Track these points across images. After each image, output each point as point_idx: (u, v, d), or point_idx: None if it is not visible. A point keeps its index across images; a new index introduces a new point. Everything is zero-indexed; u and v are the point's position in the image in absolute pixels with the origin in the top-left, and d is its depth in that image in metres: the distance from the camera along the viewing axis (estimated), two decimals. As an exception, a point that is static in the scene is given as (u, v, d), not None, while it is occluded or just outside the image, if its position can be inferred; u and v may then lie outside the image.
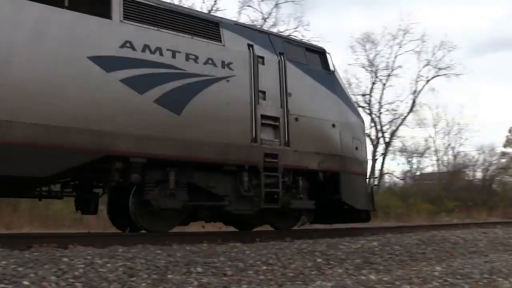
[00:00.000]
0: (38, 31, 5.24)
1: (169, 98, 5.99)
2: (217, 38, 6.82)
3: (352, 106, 8.70)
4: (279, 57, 7.46)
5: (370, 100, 28.58)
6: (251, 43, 7.17)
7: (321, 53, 8.37)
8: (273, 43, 7.58)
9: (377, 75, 28.91)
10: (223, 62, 6.66)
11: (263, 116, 6.98)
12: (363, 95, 28.53)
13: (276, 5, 21.79)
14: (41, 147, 5.08)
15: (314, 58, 8.17)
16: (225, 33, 6.95)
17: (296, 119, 7.29)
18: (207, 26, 6.84)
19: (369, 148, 29.65)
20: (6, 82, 4.93)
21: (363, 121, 9.01)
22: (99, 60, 5.54)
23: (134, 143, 5.71)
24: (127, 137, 5.66)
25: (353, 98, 10.27)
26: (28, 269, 3.54)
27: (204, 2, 22.00)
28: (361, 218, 8.34)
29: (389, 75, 28.72)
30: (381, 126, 28.26)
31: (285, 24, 29.62)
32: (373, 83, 28.87)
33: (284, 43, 7.86)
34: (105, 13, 5.81)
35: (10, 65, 4.99)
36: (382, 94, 29.22)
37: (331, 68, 8.33)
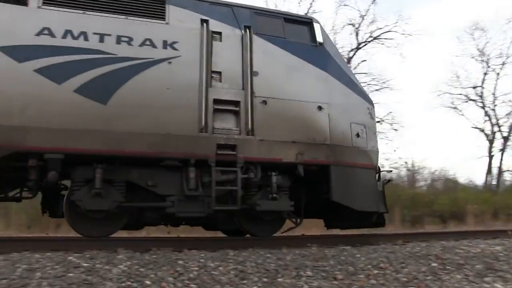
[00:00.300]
0: None
1: (92, 87, 5.36)
2: (161, 15, 6.05)
3: (351, 84, 7.11)
4: (242, 31, 6.43)
5: (482, 93, 26.46)
6: (205, 18, 6.25)
7: (306, 24, 7.07)
8: (237, 16, 6.53)
9: (489, 64, 26.70)
10: (165, 42, 5.85)
11: (218, 101, 5.97)
12: (474, 87, 26.50)
13: (374, 1, 21.07)
14: None
15: (296, 30, 6.93)
16: (171, 10, 6.12)
17: (264, 102, 6.17)
18: (149, 4, 6.06)
19: (483, 143, 27.34)
20: None
21: (370, 102, 7.30)
22: (9, 50, 5.13)
23: (48, 137, 5.15)
24: (40, 132, 5.13)
25: (357, 78, 8.07)
26: (149, 270, 3.82)
27: (300, 5, 21.98)
28: (370, 222, 6.86)
29: (503, 64, 26.36)
30: (497, 120, 25.99)
31: (384, 20, 28.79)
32: (485, 74, 26.69)
33: (254, 15, 6.67)
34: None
35: None
36: (496, 84, 27.02)
37: (320, 40, 6.95)
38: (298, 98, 6.39)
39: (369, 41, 21.44)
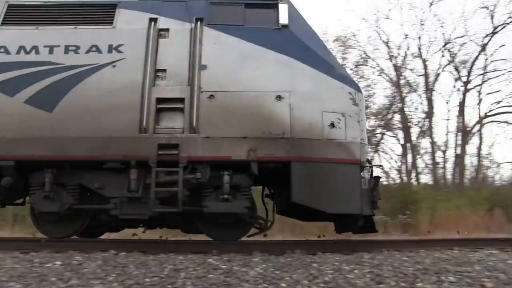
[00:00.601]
0: None
1: (41, 97, 5.64)
2: (109, 21, 6.08)
3: (326, 67, 6.13)
4: (192, 25, 6.09)
5: None
6: (155, 16, 6.12)
7: (271, 6, 6.40)
8: (189, 9, 6.21)
9: None
10: (110, 46, 5.85)
11: (161, 100, 5.73)
12: None
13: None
14: None
15: (259, 15, 6.33)
16: (121, 14, 6.14)
17: (212, 96, 5.72)
18: (98, 11, 6.22)
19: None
20: None
21: (354, 86, 6.28)
22: None
23: (2, 146, 5.61)
24: None
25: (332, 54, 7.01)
26: (284, 272, 3.89)
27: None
28: (355, 227, 5.93)
29: None
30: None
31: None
32: None
33: (209, 6, 6.28)
34: None
35: None
36: None
37: (283, 22, 6.21)
38: (251, 89, 5.81)
39: (507, 23, 19.45)
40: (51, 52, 5.86)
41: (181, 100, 5.77)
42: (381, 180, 6.55)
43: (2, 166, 5.62)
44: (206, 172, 5.64)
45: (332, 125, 5.85)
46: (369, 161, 6.39)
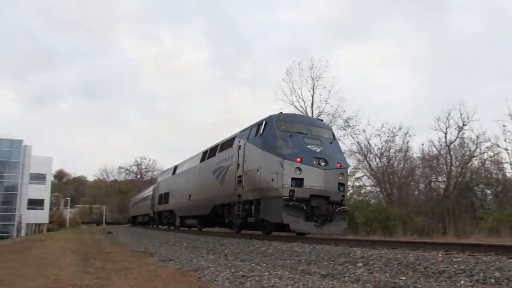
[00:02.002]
0: None
1: (220, 177, 16.56)
2: (231, 145, 16.04)
3: (272, 150, 13.40)
4: (245, 141, 15.36)
5: None
6: (238, 140, 16.00)
7: (260, 127, 14.36)
8: (244, 135, 16.16)
9: None
10: (231, 156, 16.26)
11: (239, 175, 15.42)
12: None
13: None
14: None
15: (254, 131, 14.81)
16: (235, 140, 16.08)
17: (246, 172, 14.93)
18: (229, 141, 16.74)
19: None
20: None
21: (280, 156, 12.58)
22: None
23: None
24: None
25: None
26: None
27: None
28: (285, 230, 13.58)
29: None
30: None
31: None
32: None
33: (244, 135, 16.19)
34: None
35: None
36: None
37: (261, 133, 14.23)
38: (252, 167, 14.28)
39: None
40: (219, 163, 16.97)
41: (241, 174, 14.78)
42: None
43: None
44: (251, 204, 14.23)
45: (271, 179, 12.56)
46: (291, 196, 12.03)
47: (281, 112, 15.13)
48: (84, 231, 39.24)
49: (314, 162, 12.29)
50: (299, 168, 12.01)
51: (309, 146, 12.59)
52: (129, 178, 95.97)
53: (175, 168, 26.31)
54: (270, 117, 13.59)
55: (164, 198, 26.86)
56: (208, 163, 18.46)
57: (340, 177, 12.85)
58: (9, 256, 12.50)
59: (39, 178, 68.93)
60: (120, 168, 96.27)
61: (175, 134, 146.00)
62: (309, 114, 37.15)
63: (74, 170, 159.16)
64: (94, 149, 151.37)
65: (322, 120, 16.23)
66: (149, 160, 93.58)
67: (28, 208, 63.57)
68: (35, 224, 68.58)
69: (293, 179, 11.97)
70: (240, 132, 15.58)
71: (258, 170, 13.05)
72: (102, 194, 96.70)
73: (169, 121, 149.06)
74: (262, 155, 12.98)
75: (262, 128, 13.59)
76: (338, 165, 12.90)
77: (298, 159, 12.09)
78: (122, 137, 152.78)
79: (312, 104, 37.24)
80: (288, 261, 8.22)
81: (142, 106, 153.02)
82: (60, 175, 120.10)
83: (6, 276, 7.90)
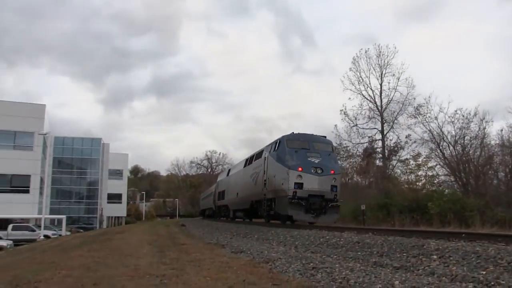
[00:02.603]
0: None
1: (255, 179, 21.68)
2: (261, 156, 20.92)
3: (282, 162, 17.78)
4: (268, 153, 19.46)
5: None
6: (265, 152, 20.50)
7: (275, 145, 18.90)
8: (267, 149, 20.16)
9: None
10: (261, 165, 20.68)
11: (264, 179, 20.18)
12: None
13: None
14: None
15: (272, 148, 19.28)
16: (264, 152, 20.64)
17: (269, 177, 19.16)
18: (260, 153, 21.40)
19: None
20: None
21: (287, 166, 17.13)
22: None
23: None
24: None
25: None
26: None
27: None
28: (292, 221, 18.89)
29: None
30: None
31: None
32: None
33: (272, 148, 19.48)
34: None
35: None
36: None
37: (275, 150, 18.75)
38: (272, 173, 18.89)
39: None
40: (254, 169, 21.85)
41: (265, 179, 19.72)
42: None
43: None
44: (271, 201, 18.95)
45: (282, 183, 17.00)
46: (294, 195, 16.39)
47: (293, 133, 18.85)
48: (159, 223, 40.96)
49: (312, 171, 16.69)
50: (300, 175, 16.53)
51: (309, 159, 16.97)
52: (200, 172, 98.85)
53: (229, 170, 33.37)
54: (283, 137, 18.44)
55: (221, 194, 32.69)
56: (247, 169, 23.83)
57: (333, 181, 16.99)
58: (93, 247, 13.33)
59: (116, 173, 73.07)
60: (191, 162, 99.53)
61: (244, 127, 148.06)
62: (378, 103, 36.22)
63: (148, 165, 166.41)
64: (166, 145, 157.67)
65: (325, 137, 19.50)
66: (219, 154, 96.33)
67: (108, 202, 67.57)
68: (115, 217, 72.75)
69: (295, 183, 16.44)
70: (266, 146, 20.60)
71: (274, 176, 18.02)
72: (174, 188, 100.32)
73: (238, 114, 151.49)
74: (277, 165, 17.86)
75: (276, 145, 18.58)
76: (332, 172, 17.08)
77: (300, 169, 16.62)
78: (192, 132, 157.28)
79: (380, 93, 36.32)
80: (359, 253, 8.10)
81: (211, 101, 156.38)
82: (135, 170, 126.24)
83: (92, 264, 8.49)
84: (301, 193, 16.33)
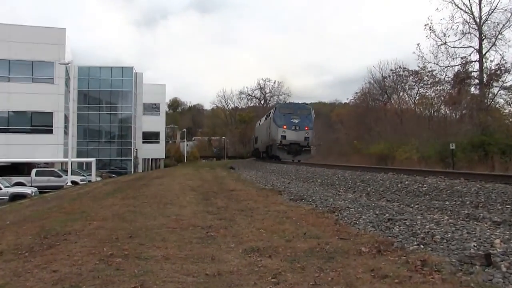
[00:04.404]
0: None
1: (264, 132, 44.59)
2: (270, 116, 41.83)
3: (276, 122, 35.94)
4: (272, 112, 40.35)
5: None
6: (269, 112, 45.12)
7: (273, 109, 40.52)
8: (272, 110, 41.57)
9: None
10: (268, 123, 42.54)
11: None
12: None
13: None
14: None
15: (270, 113, 40.90)
16: (270, 113, 42.78)
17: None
18: (269, 114, 43.02)
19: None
20: None
21: (280, 125, 35.23)
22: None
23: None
24: None
25: None
26: None
27: None
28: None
29: None
30: None
31: None
32: None
33: (277, 110, 38.62)
34: None
35: None
36: None
37: (271, 115, 39.63)
38: (269, 130, 40.75)
39: None
40: (266, 124, 42.28)
41: (269, 132, 41.65)
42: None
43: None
44: (271, 147, 41.22)
45: (274, 136, 37.60)
46: (280, 143, 37.01)
47: (285, 101, 48.99)
48: (204, 166, 42.21)
49: (292, 128, 34.22)
50: (284, 131, 34.16)
51: (291, 120, 34.40)
52: (252, 105, 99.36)
53: (259, 121, 52.51)
54: (278, 104, 46.74)
55: (256, 140, 53.42)
56: (264, 123, 43.08)
57: (306, 134, 34.49)
58: (128, 194, 13.93)
59: (152, 108, 74.49)
60: (241, 93, 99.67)
61: (306, 48, 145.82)
62: (475, 14, 34.30)
63: (190, 98, 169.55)
64: (210, 73, 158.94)
65: (307, 104, 40.04)
66: (274, 83, 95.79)
67: (144, 142, 69.37)
68: (152, 159, 75.15)
69: (281, 135, 34.25)
70: (271, 109, 38.41)
71: (271, 131, 35.95)
72: (221, 124, 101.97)
73: (299, 34, 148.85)
74: (273, 124, 35.59)
75: (274, 110, 37.01)
76: (306, 128, 34.55)
77: (284, 127, 34.30)
78: (242, 57, 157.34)
79: (480, 0, 34.15)
80: (447, 203, 7.97)
81: (265, 18, 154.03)
82: (174, 104, 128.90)
83: (127, 214, 8.88)
84: (285, 142, 34.32)
